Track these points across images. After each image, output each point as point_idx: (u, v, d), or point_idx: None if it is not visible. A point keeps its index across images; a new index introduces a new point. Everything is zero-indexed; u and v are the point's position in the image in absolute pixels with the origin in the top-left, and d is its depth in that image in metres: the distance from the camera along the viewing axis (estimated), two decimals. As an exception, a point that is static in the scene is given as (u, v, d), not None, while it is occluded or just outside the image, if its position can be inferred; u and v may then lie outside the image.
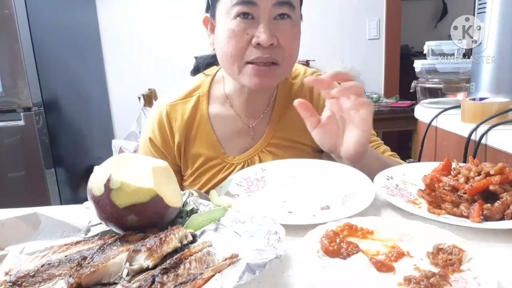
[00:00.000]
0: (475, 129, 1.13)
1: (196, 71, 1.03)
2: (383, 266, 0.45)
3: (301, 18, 0.87)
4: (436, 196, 0.62)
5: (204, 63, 1.01)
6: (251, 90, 0.89)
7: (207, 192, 0.75)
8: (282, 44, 0.79)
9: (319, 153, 0.93)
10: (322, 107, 0.81)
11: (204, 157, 0.91)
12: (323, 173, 0.74)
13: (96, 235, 0.57)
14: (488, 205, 0.58)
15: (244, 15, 0.78)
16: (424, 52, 1.58)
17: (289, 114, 0.92)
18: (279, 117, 0.93)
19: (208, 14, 0.88)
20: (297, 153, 0.91)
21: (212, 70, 0.98)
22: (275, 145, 0.92)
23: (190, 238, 0.50)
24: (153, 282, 0.39)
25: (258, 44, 0.78)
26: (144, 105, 2.64)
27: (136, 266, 0.43)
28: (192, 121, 0.92)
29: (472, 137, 1.14)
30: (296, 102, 0.78)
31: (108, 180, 0.50)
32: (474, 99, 1.21)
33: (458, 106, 1.30)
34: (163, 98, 0.97)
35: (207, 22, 0.89)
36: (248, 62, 0.80)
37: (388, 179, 0.71)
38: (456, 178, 0.65)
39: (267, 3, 0.77)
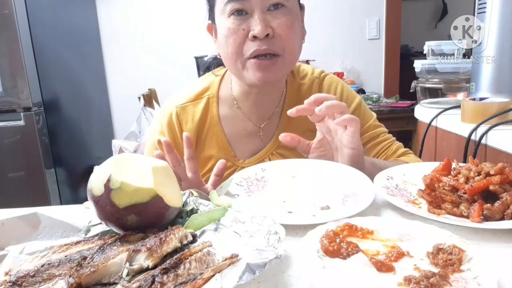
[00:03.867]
0: (475, 129, 1.13)
1: (206, 69, 1.03)
2: (383, 266, 0.45)
3: (302, 8, 0.87)
4: (436, 196, 0.62)
5: (215, 63, 1.01)
6: (258, 90, 0.89)
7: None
8: (278, 33, 0.79)
9: None
10: None
11: (214, 160, 0.90)
12: (323, 173, 0.74)
13: (96, 235, 0.56)
14: (488, 205, 0.57)
15: (238, 12, 0.78)
16: (424, 52, 1.58)
17: (298, 116, 0.91)
18: (288, 119, 0.90)
19: (210, 21, 0.88)
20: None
21: (221, 70, 0.98)
22: (285, 147, 0.91)
23: (190, 238, 0.50)
24: (153, 282, 0.39)
25: (255, 37, 0.78)
26: (144, 105, 2.64)
27: (136, 266, 0.43)
28: (203, 124, 0.92)
29: (472, 137, 1.14)
30: (281, 137, 0.79)
31: (108, 180, 0.50)
32: (474, 99, 1.21)
33: (458, 106, 1.30)
34: (171, 99, 0.96)
35: (211, 29, 0.89)
36: (250, 58, 0.80)
37: (388, 179, 0.71)
38: (456, 178, 0.65)
39: None
